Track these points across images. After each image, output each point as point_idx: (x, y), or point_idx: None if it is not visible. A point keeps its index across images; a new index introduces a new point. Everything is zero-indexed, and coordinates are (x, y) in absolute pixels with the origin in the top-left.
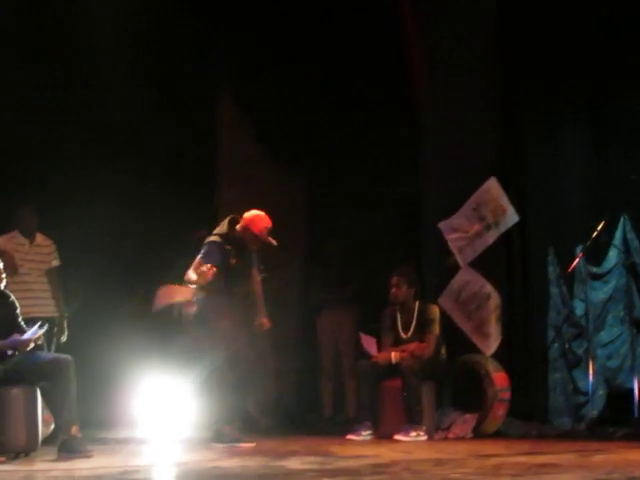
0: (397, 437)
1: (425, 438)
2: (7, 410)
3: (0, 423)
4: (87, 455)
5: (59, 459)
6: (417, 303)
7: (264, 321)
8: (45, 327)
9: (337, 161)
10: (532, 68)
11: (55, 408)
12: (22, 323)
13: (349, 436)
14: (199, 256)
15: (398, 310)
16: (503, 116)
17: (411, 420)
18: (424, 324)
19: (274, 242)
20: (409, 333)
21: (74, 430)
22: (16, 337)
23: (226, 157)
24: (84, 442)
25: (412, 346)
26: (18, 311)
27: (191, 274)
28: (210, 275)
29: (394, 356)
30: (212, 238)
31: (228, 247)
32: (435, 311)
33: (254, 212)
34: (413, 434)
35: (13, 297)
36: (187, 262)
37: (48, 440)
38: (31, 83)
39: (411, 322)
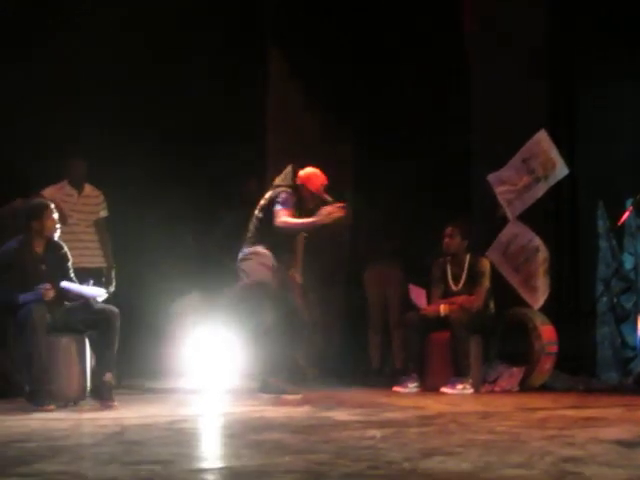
0: (443, 390)
1: (471, 391)
2: (57, 359)
3: (50, 372)
4: (110, 406)
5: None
6: (468, 256)
7: (296, 276)
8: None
9: (385, 112)
10: (583, 15)
11: (95, 355)
12: (72, 275)
13: (396, 388)
14: (278, 206)
15: (449, 262)
16: (553, 67)
17: (458, 373)
18: (474, 277)
19: (330, 198)
20: (459, 285)
21: (107, 377)
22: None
23: (274, 109)
24: (112, 392)
25: (461, 299)
26: (70, 263)
27: (290, 219)
28: (338, 214)
29: (443, 308)
30: (284, 188)
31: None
32: (486, 264)
33: (310, 170)
34: (459, 387)
35: (66, 248)
36: (235, 214)
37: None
38: (80, 35)
39: (461, 274)
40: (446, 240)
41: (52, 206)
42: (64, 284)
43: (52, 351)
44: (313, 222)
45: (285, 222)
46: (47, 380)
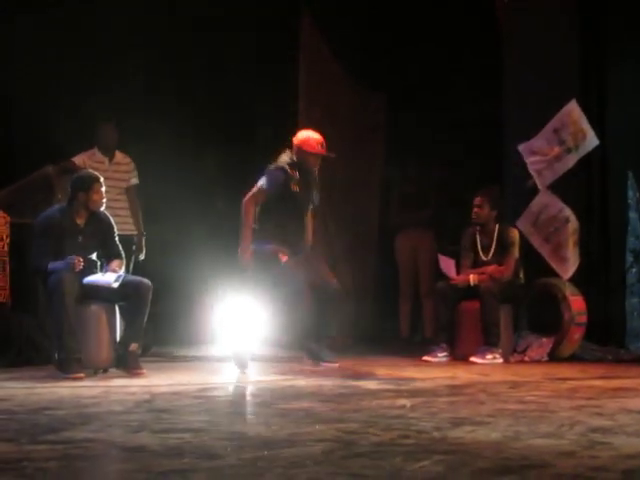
0: (473, 359)
1: (501, 361)
2: (87, 327)
3: (79, 340)
4: (138, 374)
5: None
6: (497, 225)
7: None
8: (120, 279)
9: (417, 82)
10: None
11: (124, 324)
12: (117, 247)
13: (425, 357)
14: (259, 182)
15: (478, 231)
16: (585, 38)
17: (488, 342)
18: (504, 247)
19: (332, 154)
20: (489, 255)
21: (133, 347)
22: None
23: (306, 78)
24: (138, 360)
25: (491, 268)
26: (115, 235)
27: (247, 206)
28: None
29: (473, 278)
30: (274, 165)
31: (292, 172)
32: (515, 234)
33: (303, 133)
34: (489, 356)
35: (112, 221)
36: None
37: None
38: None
39: (491, 244)
40: (475, 210)
41: (102, 180)
42: (86, 280)
43: (82, 319)
44: (244, 245)
45: (244, 204)
46: (77, 348)
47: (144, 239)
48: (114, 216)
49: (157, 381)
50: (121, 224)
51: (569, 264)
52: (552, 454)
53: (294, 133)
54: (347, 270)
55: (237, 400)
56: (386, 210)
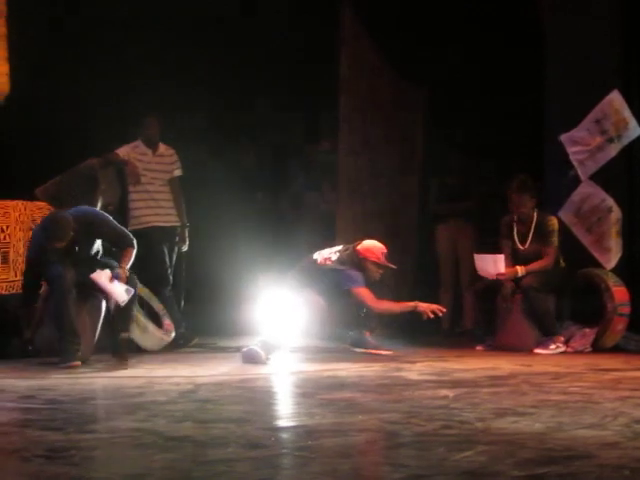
0: (537, 351)
1: (564, 349)
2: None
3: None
4: (122, 364)
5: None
6: (536, 214)
7: None
8: (130, 294)
9: (457, 73)
10: None
11: (114, 315)
12: (120, 236)
13: (478, 347)
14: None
15: (515, 220)
16: (627, 27)
17: (546, 333)
18: (543, 235)
19: (394, 266)
20: (526, 244)
21: (124, 335)
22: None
23: (347, 69)
24: (126, 351)
25: (536, 266)
26: (108, 225)
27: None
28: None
29: (520, 270)
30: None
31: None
32: (555, 222)
33: (368, 243)
34: (552, 347)
35: (103, 217)
36: (306, 173)
37: (168, 347)
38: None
39: (528, 233)
40: (521, 210)
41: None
42: (93, 276)
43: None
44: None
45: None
46: (77, 340)
47: (187, 230)
48: (158, 207)
49: (200, 371)
50: (165, 215)
51: (612, 254)
52: (595, 445)
53: (335, 125)
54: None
55: (280, 390)
56: (426, 201)
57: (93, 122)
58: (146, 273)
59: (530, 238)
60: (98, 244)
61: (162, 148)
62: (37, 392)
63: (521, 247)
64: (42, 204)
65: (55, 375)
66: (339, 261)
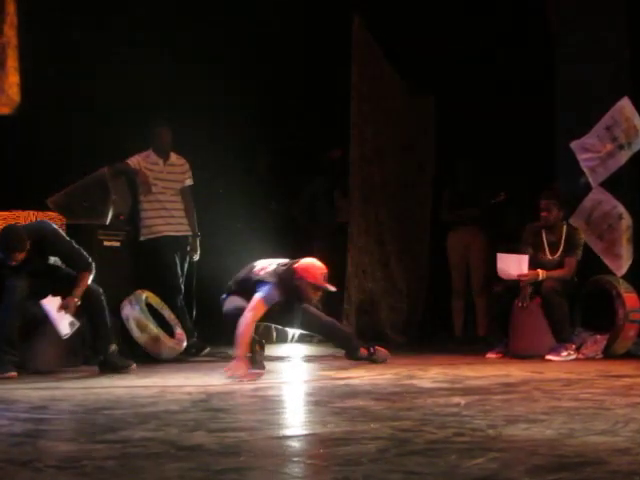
0: (549, 357)
1: (575, 356)
2: (35, 330)
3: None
4: (129, 370)
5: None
6: (565, 226)
7: None
8: (74, 328)
9: (467, 80)
10: None
11: (93, 333)
12: (75, 256)
13: (489, 355)
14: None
15: (544, 230)
16: (637, 36)
17: (560, 340)
18: (571, 247)
19: (333, 288)
20: (556, 254)
21: (112, 348)
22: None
23: (357, 76)
24: (122, 358)
25: (556, 274)
26: (63, 243)
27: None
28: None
29: (542, 273)
30: (274, 279)
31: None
32: (582, 236)
33: (307, 261)
34: (564, 354)
35: (57, 234)
36: (319, 181)
37: (180, 356)
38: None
39: (559, 243)
40: (544, 214)
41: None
42: (43, 302)
43: (31, 321)
44: (240, 352)
45: (248, 316)
46: (11, 349)
47: (198, 240)
48: (169, 217)
49: (212, 380)
50: (176, 225)
51: (623, 261)
52: (607, 451)
53: (345, 132)
54: (400, 269)
55: (292, 399)
56: (438, 208)
57: (104, 132)
58: (158, 283)
59: (561, 249)
60: (54, 261)
61: (173, 157)
62: (50, 402)
63: (549, 257)
64: (53, 214)
65: (68, 385)
66: (272, 273)
